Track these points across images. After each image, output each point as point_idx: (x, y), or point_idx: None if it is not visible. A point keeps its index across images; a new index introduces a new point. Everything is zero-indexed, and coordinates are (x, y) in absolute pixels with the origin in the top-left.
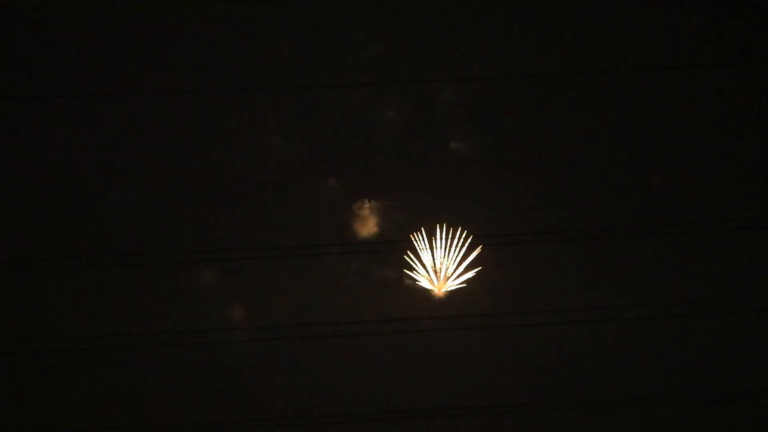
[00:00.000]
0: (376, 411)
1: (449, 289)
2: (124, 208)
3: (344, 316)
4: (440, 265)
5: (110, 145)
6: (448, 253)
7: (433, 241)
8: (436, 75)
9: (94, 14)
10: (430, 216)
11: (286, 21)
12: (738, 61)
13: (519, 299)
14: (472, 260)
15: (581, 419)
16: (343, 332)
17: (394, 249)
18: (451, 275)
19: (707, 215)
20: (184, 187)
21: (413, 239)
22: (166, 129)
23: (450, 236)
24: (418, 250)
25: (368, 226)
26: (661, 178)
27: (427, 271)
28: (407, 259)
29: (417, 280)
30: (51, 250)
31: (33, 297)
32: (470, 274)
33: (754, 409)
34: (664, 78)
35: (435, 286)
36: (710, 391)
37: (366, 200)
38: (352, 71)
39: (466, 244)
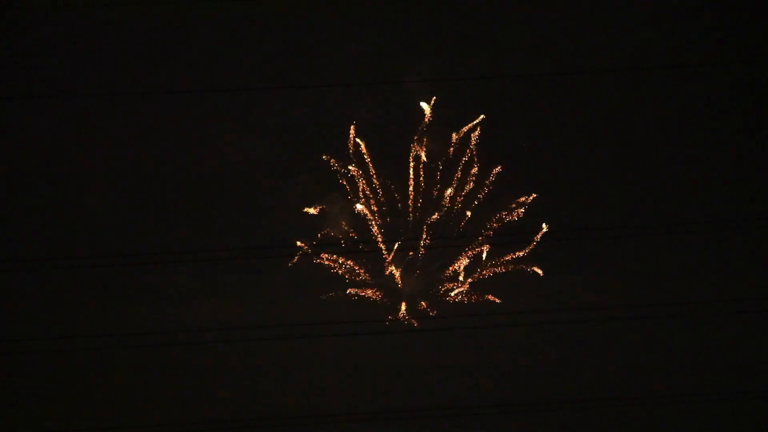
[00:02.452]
0: (374, 411)
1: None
2: (99, 209)
3: (327, 317)
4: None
5: (86, 145)
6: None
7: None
8: (412, 75)
9: (68, 14)
10: (411, 216)
11: (260, 21)
12: (738, 61)
13: (518, 299)
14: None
15: (581, 419)
16: (338, 332)
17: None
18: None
19: (707, 215)
20: (161, 187)
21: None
22: (141, 129)
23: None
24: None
25: (342, 225)
26: (660, 177)
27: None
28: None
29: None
30: (26, 250)
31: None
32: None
33: (754, 409)
34: (662, 78)
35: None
36: (710, 391)
37: (342, 199)
38: (327, 71)
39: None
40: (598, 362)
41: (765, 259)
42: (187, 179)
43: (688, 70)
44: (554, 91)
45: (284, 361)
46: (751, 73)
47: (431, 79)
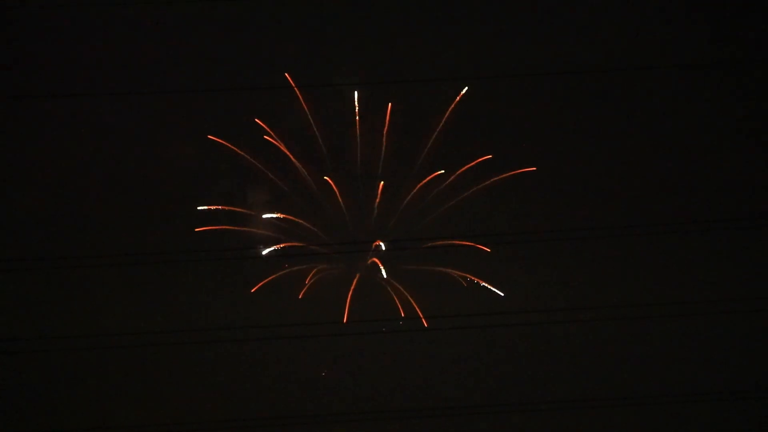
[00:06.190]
0: (374, 411)
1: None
2: (95, 209)
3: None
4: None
5: (14, 145)
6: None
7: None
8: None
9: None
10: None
11: (196, 22)
12: (737, 61)
13: (518, 299)
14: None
15: (580, 419)
16: (342, 331)
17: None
18: None
19: (707, 215)
20: (159, 186)
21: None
22: (75, 131)
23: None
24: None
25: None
26: (659, 177)
27: None
28: None
29: None
30: (22, 250)
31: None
32: None
33: (754, 409)
34: (662, 78)
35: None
36: (710, 391)
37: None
38: (266, 72)
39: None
40: (598, 362)
41: (765, 259)
42: (185, 180)
43: (688, 70)
44: (552, 91)
45: (284, 361)
46: (751, 73)
47: (417, 80)
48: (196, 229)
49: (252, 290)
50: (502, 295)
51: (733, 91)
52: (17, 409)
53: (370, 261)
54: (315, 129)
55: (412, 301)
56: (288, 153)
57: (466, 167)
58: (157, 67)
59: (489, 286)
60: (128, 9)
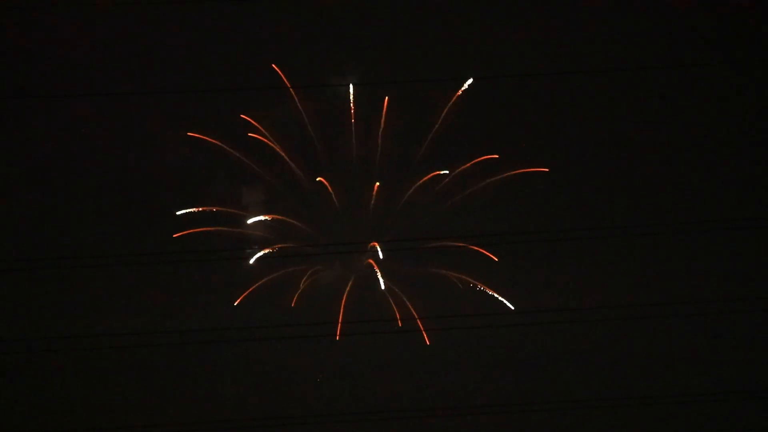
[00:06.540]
0: (374, 411)
1: None
2: (92, 209)
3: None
4: None
5: (14, 145)
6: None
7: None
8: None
9: None
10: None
11: (194, 22)
12: (737, 61)
13: (518, 299)
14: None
15: (580, 419)
16: (343, 332)
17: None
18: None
19: (706, 215)
20: (158, 185)
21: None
22: (75, 131)
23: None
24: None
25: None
26: (659, 177)
27: None
28: None
29: None
30: (20, 250)
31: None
32: None
33: (755, 409)
34: (663, 78)
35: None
36: (710, 391)
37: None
38: (263, 72)
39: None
40: (599, 362)
41: (765, 259)
42: (184, 181)
43: (688, 70)
44: (551, 91)
45: (282, 362)
46: (751, 73)
47: (415, 80)
48: (174, 235)
49: (247, 292)
50: (513, 308)
51: (733, 91)
52: (17, 409)
53: (365, 262)
54: (309, 128)
55: (408, 303)
56: (282, 153)
57: (463, 167)
58: (155, 67)
59: (489, 291)
60: (128, 9)
